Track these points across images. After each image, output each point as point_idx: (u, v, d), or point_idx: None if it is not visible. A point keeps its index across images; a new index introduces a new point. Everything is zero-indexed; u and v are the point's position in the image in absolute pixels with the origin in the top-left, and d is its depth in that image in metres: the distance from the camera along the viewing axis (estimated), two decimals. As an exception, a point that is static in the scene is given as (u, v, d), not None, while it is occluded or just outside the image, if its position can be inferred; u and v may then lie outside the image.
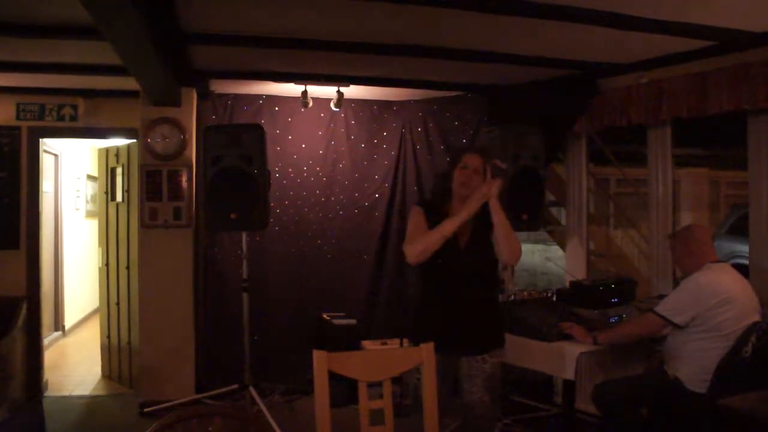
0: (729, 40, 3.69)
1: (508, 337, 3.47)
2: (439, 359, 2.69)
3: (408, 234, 2.88)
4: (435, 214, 2.86)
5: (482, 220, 2.82)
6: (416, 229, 2.85)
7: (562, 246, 5.96)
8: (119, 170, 5.50)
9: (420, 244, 2.77)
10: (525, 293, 4.11)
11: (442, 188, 2.94)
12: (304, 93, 5.02)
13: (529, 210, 4.29)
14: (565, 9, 3.20)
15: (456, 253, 2.82)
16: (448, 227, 2.74)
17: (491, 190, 2.75)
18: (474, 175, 2.83)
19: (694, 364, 3.18)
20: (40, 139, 5.26)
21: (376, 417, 2.19)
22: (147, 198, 4.86)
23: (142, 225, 4.88)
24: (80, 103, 5.21)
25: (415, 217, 2.90)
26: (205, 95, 5.13)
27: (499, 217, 2.76)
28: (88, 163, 8.29)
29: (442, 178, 2.96)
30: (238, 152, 4.28)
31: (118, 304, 5.53)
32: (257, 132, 4.35)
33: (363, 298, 5.55)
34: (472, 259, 2.84)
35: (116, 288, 5.56)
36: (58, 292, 7.21)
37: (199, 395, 4.75)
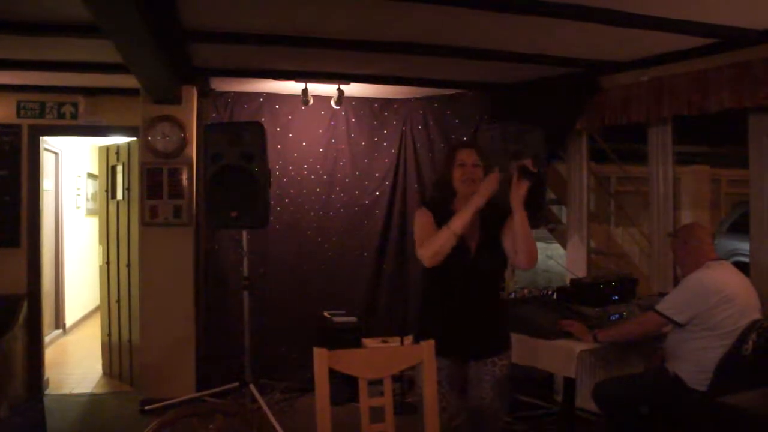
0: (730, 38, 3.68)
1: (508, 335, 3.45)
2: (447, 364, 2.67)
3: (417, 237, 2.76)
4: (441, 214, 2.74)
5: (492, 222, 2.74)
6: (425, 231, 2.73)
7: (563, 244, 5.96)
8: (120, 168, 5.50)
9: (433, 245, 2.65)
10: (526, 291, 4.10)
11: (444, 190, 2.83)
12: (305, 91, 5.02)
13: (530, 208, 4.26)
14: (566, 7, 3.19)
15: (467, 256, 2.72)
16: (457, 223, 2.62)
17: (492, 184, 2.63)
18: (475, 170, 2.75)
19: (694, 362, 3.18)
20: (41, 137, 5.26)
21: (377, 415, 2.19)
22: (147, 196, 4.85)
23: (143, 223, 4.88)
24: (81, 101, 5.20)
25: (422, 218, 2.77)
26: (205, 93, 5.12)
27: (522, 221, 2.65)
28: (88, 161, 8.29)
29: (441, 180, 2.84)
30: (239, 150, 4.27)
31: (118, 302, 5.53)
32: (258, 130, 4.34)
33: (363, 296, 5.55)
34: (484, 262, 2.75)
35: (117, 286, 5.57)
36: (58, 290, 7.22)
37: (200, 393, 4.75)
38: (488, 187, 2.64)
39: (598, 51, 4.24)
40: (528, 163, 2.65)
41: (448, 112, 5.57)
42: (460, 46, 4.10)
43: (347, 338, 4.76)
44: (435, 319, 2.80)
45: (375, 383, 2.20)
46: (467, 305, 2.75)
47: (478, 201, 2.64)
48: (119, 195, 5.51)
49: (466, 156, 2.78)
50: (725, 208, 12.07)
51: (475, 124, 5.46)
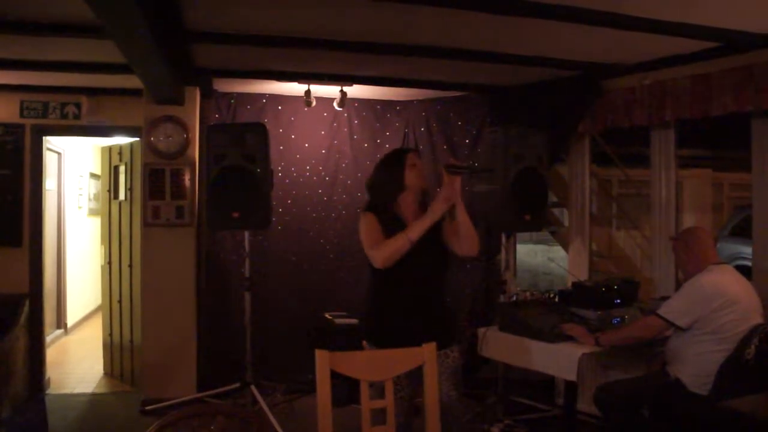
0: (733, 42, 3.68)
1: (510, 337, 3.47)
2: None
3: (366, 239, 2.91)
4: (383, 216, 2.92)
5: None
6: (373, 232, 2.89)
7: (565, 247, 5.96)
8: (122, 168, 5.51)
9: (388, 249, 2.81)
10: (527, 294, 4.11)
11: (389, 190, 2.99)
12: (308, 92, 5.02)
13: (532, 210, 4.28)
14: (569, 9, 3.19)
15: (409, 250, 2.84)
16: (415, 231, 2.77)
17: (454, 191, 2.79)
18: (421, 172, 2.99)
19: (696, 366, 3.17)
20: (44, 137, 5.28)
21: (378, 417, 2.19)
22: (150, 196, 4.86)
23: (145, 223, 4.88)
24: (84, 101, 5.21)
25: (369, 222, 2.93)
26: (208, 94, 5.13)
27: (463, 215, 2.84)
28: (91, 161, 8.31)
29: (388, 180, 3.01)
30: (241, 151, 4.28)
31: (120, 302, 5.54)
32: (260, 131, 4.35)
33: (365, 297, 5.53)
34: (425, 255, 2.87)
35: (118, 286, 5.57)
36: (60, 289, 7.23)
37: (201, 393, 4.75)
38: (449, 196, 2.79)
39: (601, 54, 4.24)
40: (454, 160, 2.90)
41: (451, 115, 5.57)
42: (463, 48, 4.10)
43: (348, 340, 4.74)
44: (386, 315, 2.99)
45: (376, 385, 2.21)
46: (415, 299, 2.90)
47: (438, 209, 2.79)
48: (121, 195, 5.52)
49: (416, 159, 3.01)
50: (727, 211, 12.06)
51: (478, 126, 5.46)
